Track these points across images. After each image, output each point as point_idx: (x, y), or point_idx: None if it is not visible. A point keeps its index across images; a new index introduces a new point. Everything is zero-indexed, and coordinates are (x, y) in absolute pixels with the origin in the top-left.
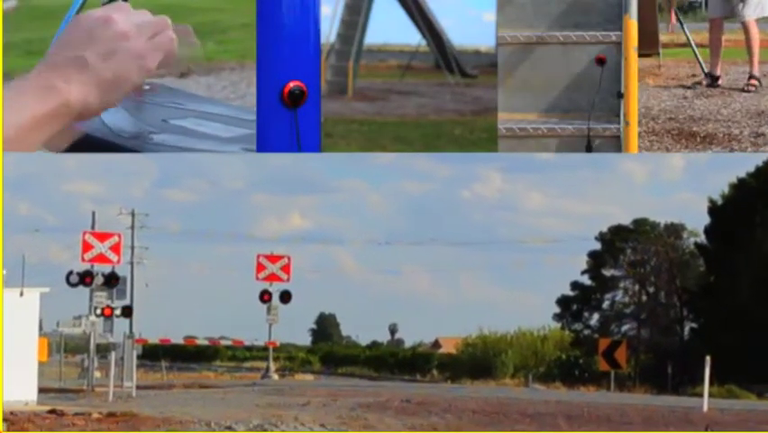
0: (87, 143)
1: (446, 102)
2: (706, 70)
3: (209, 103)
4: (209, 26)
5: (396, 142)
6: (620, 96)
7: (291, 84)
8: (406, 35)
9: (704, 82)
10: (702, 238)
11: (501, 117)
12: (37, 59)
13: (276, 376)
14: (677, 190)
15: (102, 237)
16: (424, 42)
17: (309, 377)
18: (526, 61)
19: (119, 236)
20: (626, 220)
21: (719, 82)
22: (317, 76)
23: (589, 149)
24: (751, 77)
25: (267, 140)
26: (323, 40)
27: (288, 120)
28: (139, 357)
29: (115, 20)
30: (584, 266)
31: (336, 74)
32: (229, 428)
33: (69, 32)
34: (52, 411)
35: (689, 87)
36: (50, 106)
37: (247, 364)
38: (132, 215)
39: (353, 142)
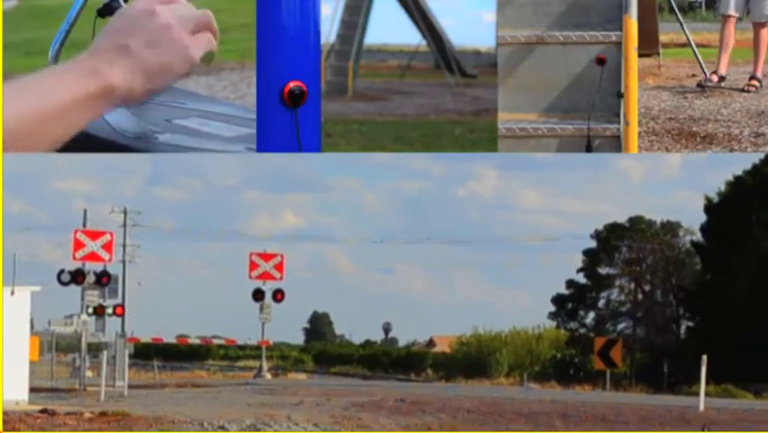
0: (91, 143)
1: (446, 102)
2: (706, 69)
3: (212, 102)
4: None
5: (396, 142)
6: (620, 96)
7: (291, 84)
8: (407, 35)
9: (710, 81)
10: (698, 236)
11: (501, 117)
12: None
13: (269, 375)
14: (673, 188)
15: (94, 235)
16: (424, 42)
17: (302, 376)
18: (526, 61)
19: (111, 235)
20: (621, 218)
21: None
22: (317, 76)
23: (589, 149)
24: (752, 77)
25: (267, 140)
26: (323, 40)
27: (287, 120)
28: (131, 356)
29: (159, 12)
30: (579, 264)
31: (336, 74)
32: (222, 427)
33: (113, 23)
34: (44, 411)
35: (695, 89)
36: (93, 88)
37: (240, 364)
38: (125, 213)
39: (353, 142)
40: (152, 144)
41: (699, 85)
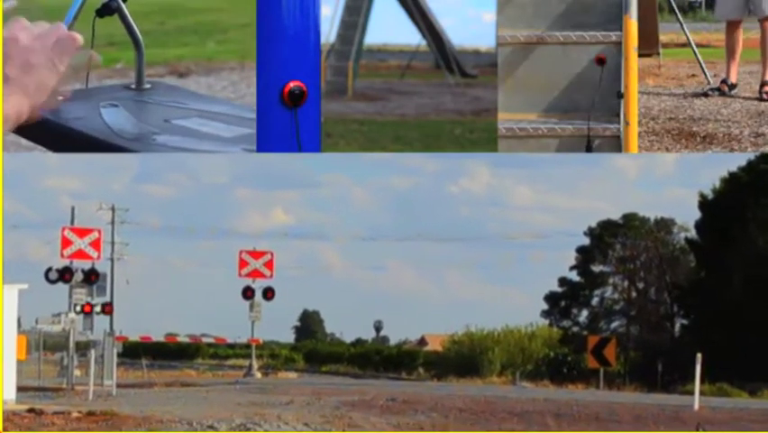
0: (90, 145)
1: (446, 102)
2: (706, 70)
3: (211, 101)
4: (209, 26)
5: (396, 142)
6: (620, 96)
7: (291, 84)
8: (407, 35)
9: (719, 90)
10: (693, 233)
11: (501, 117)
12: None
13: (259, 374)
14: (667, 185)
15: (81, 233)
16: (424, 42)
17: (293, 375)
18: (526, 61)
19: (99, 232)
20: (615, 215)
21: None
22: (317, 76)
23: (589, 149)
24: (764, 83)
25: (267, 140)
26: (323, 40)
27: (288, 120)
28: (119, 355)
29: (19, 37)
30: (573, 262)
31: (336, 74)
32: (211, 427)
33: None
34: (31, 410)
35: (696, 89)
36: None
37: (229, 362)
38: (113, 210)
39: (353, 142)
40: (151, 145)
41: (706, 94)
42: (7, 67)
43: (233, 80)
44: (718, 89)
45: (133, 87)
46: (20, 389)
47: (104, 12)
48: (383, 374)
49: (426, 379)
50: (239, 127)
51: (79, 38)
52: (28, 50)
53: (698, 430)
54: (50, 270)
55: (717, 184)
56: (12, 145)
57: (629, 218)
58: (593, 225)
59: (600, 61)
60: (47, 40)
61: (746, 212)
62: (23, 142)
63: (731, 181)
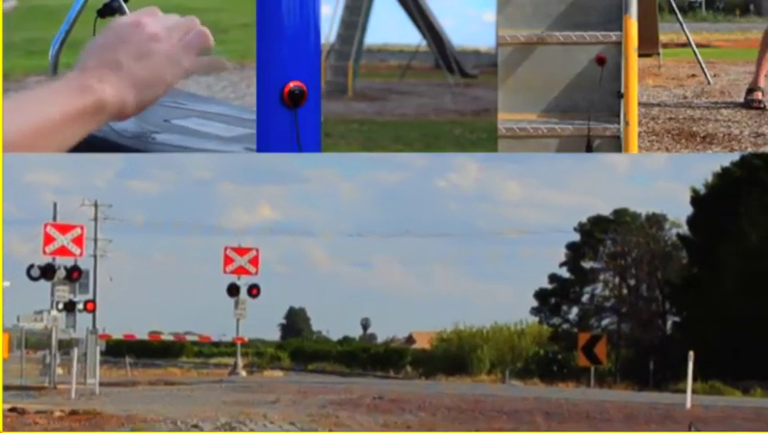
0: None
1: (446, 102)
2: (706, 70)
3: (211, 102)
4: (209, 26)
5: (396, 142)
6: (620, 96)
7: (291, 84)
8: (407, 35)
9: (758, 101)
10: (685, 229)
11: (501, 117)
12: (37, 59)
13: (244, 373)
14: (659, 180)
15: (64, 229)
16: (424, 42)
17: (278, 373)
18: (526, 61)
19: (82, 228)
20: (605, 210)
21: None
22: (317, 76)
23: (589, 149)
24: (752, 89)
25: (267, 140)
26: (323, 40)
27: (287, 120)
28: (102, 353)
29: (145, 23)
30: (563, 258)
31: (336, 74)
32: (195, 426)
33: (101, 37)
34: (13, 409)
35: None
36: (84, 105)
37: (214, 361)
38: (96, 206)
39: (353, 142)
40: (151, 144)
41: (755, 101)
42: (122, 53)
43: (232, 80)
44: (756, 100)
45: None
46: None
47: (105, 12)
48: (370, 373)
49: (414, 377)
50: (239, 127)
51: (211, 37)
52: (152, 39)
53: (690, 429)
54: (31, 267)
55: (710, 179)
56: None
57: (620, 214)
58: (583, 220)
59: (600, 61)
60: (176, 32)
61: (739, 206)
62: None
63: (724, 176)
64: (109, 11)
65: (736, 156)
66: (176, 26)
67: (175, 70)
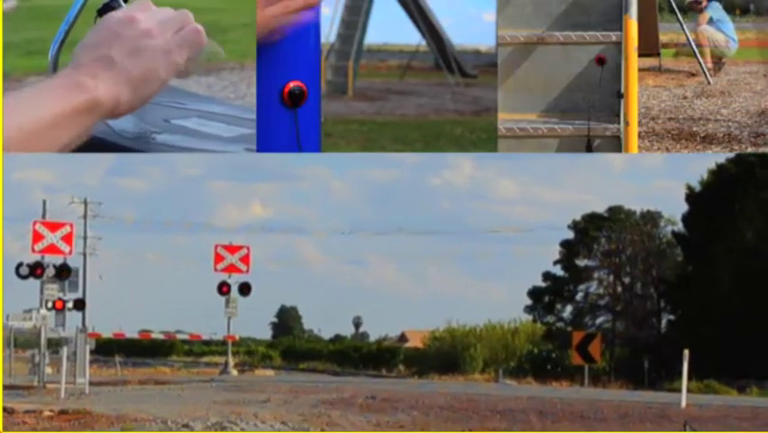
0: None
1: (446, 102)
2: (706, 70)
3: (211, 102)
4: (209, 26)
5: (396, 142)
6: (620, 96)
7: (291, 84)
8: (407, 35)
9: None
10: (680, 226)
11: (501, 117)
12: (37, 59)
13: (235, 372)
14: (654, 177)
15: (53, 227)
16: (424, 42)
17: (269, 373)
18: (526, 61)
19: (71, 226)
20: (600, 208)
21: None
22: (317, 76)
23: (589, 149)
24: None
25: (267, 140)
26: (323, 40)
27: (288, 120)
28: (92, 352)
29: (139, 19)
30: (557, 256)
31: (336, 74)
32: (186, 425)
33: (94, 34)
34: (2, 409)
35: (696, 89)
36: (77, 101)
37: (205, 359)
38: (85, 203)
39: (353, 142)
40: (151, 145)
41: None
42: (115, 49)
43: (232, 80)
44: None
45: None
46: None
47: (105, 11)
48: (362, 372)
49: (407, 376)
50: (239, 127)
51: (205, 35)
52: (145, 35)
53: (685, 428)
54: (20, 265)
55: (705, 176)
56: None
57: (615, 211)
58: (578, 218)
59: (600, 61)
60: (169, 27)
61: (734, 203)
62: None
63: (719, 173)
64: (109, 11)
65: (730, 153)
66: (169, 21)
67: (169, 67)
